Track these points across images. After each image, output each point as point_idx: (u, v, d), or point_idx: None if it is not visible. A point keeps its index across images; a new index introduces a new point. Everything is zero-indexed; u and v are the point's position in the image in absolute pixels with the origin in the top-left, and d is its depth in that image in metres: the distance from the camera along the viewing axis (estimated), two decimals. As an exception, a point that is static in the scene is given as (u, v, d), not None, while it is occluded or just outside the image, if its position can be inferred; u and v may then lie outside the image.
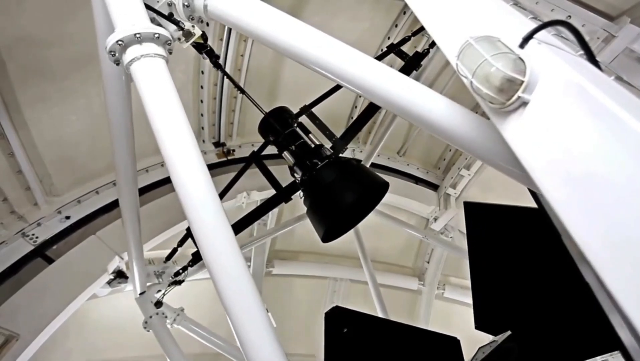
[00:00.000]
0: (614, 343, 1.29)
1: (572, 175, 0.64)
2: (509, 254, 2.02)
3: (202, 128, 4.76)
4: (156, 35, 1.59)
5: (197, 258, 3.50)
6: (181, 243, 3.47)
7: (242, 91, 3.04)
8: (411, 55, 3.74)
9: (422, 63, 3.79)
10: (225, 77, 4.31)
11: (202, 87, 4.39)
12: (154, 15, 1.83)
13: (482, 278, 2.12)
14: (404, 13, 4.54)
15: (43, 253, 3.51)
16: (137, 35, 1.55)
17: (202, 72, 4.28)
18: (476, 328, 2.12)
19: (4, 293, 3.16)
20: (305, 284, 5.88)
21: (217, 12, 1.73)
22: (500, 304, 2.07)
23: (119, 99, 2.07)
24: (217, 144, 4.91)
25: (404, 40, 3.83)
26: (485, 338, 2.26)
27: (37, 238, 3.52)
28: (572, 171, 0.64)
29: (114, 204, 3.91)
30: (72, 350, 4.15)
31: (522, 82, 0.84)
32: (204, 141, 4.84)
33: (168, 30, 1.81)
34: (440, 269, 6.15)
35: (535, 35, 0.91)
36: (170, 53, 1.68)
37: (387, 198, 5.64)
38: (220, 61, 4.25)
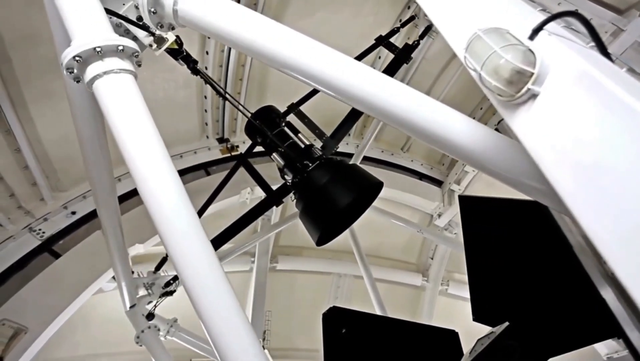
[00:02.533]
0: (613, 329, 1.29)
1: (583, 166, 0.63)
2: (505, 246, 2.03)
3: (206, 124, 4.77)
4: (120, 48, 1.37)
5: None
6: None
7: (224, 96, 2.86)
8: (401, 47, 3.61)
9: (412, 57, 3.72)
10: (226, 73, 4.29)
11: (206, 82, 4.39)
12: (120, 21, 1.61)
13: (479, 271, 2.13)
14: (408, 7, 4.49)
15: (50, 248, 3.55)
16: (97, 50, 1.32)
17: (206, 68, 4.27)
18: (474, 320, 2.13)
19: (12, 287, 3.21)
20: (310, 279, 5.91)
21: (189, 18, 1.51)
22: (498, 295, 2.07)
23: (86, 114, 1.85)
24: (221, 140, 4.91)
25: (393, 32, 3.71)
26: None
27: (43, 233, 3.56)
28: (583, 163, 0.63)
29: (120, 200, 3.93)
30: (79, 343, 4.20)
31: (532, 74, 0.83)
32: (207, 137, 4.85)
33: (137, 36, 1.65)
34: (444, 266, 6.15)
35: (545, 27, 0.90)
36: (139, 65, 1.48)
37: (391, 194, 5.67)
38: (224, 57, 4.25)
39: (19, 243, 3.43)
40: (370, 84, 1.26)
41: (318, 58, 1.32)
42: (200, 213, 3.20)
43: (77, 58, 1.33)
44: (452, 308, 6.07)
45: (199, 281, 1.23)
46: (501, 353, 1.93)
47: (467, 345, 2.61)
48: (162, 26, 1.64)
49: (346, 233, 4.77)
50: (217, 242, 3.19)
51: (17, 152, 3.29)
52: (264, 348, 4.94)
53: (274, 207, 4.77)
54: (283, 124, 2.83)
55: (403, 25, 3.85)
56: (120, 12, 1.63)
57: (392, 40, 3.79)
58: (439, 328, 2.67)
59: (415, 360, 2.44)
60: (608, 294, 1.26)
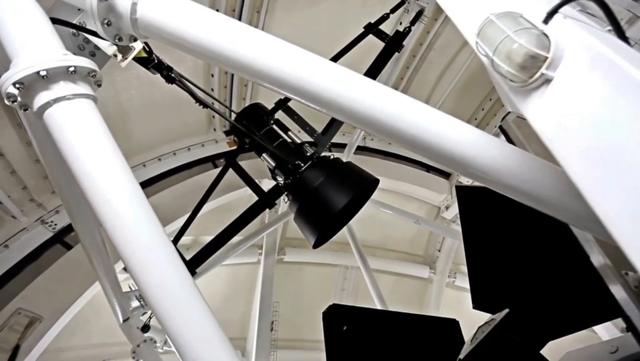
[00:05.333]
0: (614, 311, 1.27)
1: (597, 150, 0.62)
2: (502, 234, 2.02)
3: (213, 117, 4.78)
4: (71, 69, 1.12)
5: None
6: None
7: (204, 105, 2.64)
8: (391, 35, 3.40)
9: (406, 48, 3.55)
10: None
11: (212, 75, 4.39)
12: (74, 30, 1.36)
13: (478, 259, 2.13)
14: (416, -5, 4.41)
15: (62, 240, 3.62)
16: (42, 74, 1.08)
17: (212, 60, 4.27)
18: (474, 307, 2.13)
19: (26, 277, 3.29)
20: (317, 271, 5.95)
21: (153, 28, 1.25)
22: (497, 282, 2.07)
23: (46, 140, 1.59)
24: (229, 132, 4.92)
25: (383, 19, 3.50)
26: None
27: (55, 225, 3.62)
28: (599, 146, 0.62)
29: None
30: (92, 331, 4.30)
31: (546, 58, 0.80)
32: (215, 130, 4.87)
33: (100, 46, 1.42)
34: (452, 258, 6.14)
35: (560, 10, 0.88)
36: (99, 86, 1.25)
37: (397, 186, 5.64)
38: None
39: (32, 234, 3.51)
40: (352, 92, 1.09)
41: (297, 66, 1.13)
42: (194, 213, 3.14)
43: (18, 85, 1.09)
44: (459, 300, 6.07)
45: (168, 305, 1.08)
46: (504, 347, 1.93)
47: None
48: (120, 39, 1.36)
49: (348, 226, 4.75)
50: (214, 245, 3.08)
51: (28, 146, 3.34)
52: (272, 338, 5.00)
53: (280, 199, 4.77)
54: (271, 122, 2.69)
55: (393, 10, 3.61)
56: (75, 21, 1.36)
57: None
58: (439, 318, 2.68)
59: (417, 351, 2.46)
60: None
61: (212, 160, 4.74)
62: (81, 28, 1.36)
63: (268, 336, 5.06)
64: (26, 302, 3.12)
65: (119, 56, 1.51)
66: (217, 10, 4.05)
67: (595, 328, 3.10)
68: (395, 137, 1.08)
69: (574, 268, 1.61)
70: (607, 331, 3.16)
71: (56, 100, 1.12)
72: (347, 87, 1.10)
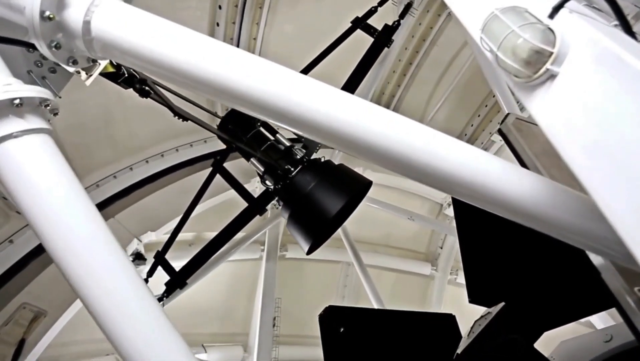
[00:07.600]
0: (609, 301, 1.27)
1: (604, 146, 0.62)
2: (496, 227, 2.02)
3: (215, 113, 4.78)
4: (17, 102, 0.97)
5: (171, 287, 3.02)
6: (150, 274, 3.13)
7: (183, 117, 2.52)
8: (380, 29, 3.28)
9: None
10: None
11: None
12: (24, 47, 1.22)
13: (473, 253, 2.13)
14: (418, -10, 4.38)
15: (66, 235, 3.64)
16: None
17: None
18: (470, 302, 2.14)
19: (31, 272, 3.31)
20: (319, 268, 5.96)
21: (112, 49, 1.07)
22: (492, 276, 2.08)
23: None
24: (231, 129, 4.92)
25: (371, 12, 3.37)
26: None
27: (59, 220, 3.64)
28: (604, 142, 0.62)
29: (131, 189, 4.02)
30: (96, 327, 4.34)
31: (551, 53, 0.80)
32: (217, 126, 4.87)
33: (58, 63, 1.22)
34: (454, 255, 6.14)
35: (566, 5, 0.87)
36: (56, 114, 1.13)
37: (399, 182, 5.63)
38: (235, 32, 4.15)
39: (37, 230, 3.53)
40: (333, 111, 0.99)
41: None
42: (185, 216, 3.06)
43: None
44: (460, 297, 6.07)
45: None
46: (506, 347, 1.93)
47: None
48: (75, 62, 1.18)
49: (354, 222, 4.75)
50: (203, 255, 3.06)
51: (32, 142, 3.35)
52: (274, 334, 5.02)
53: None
54: (258, 124, 2.60)
55: (380, 3, 3.47)
56: (26, 38, 1.16)
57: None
58: (436, 314, 2.69)
59: (416, 347, 2.48)
60: (602, 266, 1.22)
61: (214, 156, 4.74)
62: (31, 45, 1.12)
63: (270, 332, 5.09)
64: (31, 297, 3.15)
65: (83, 73, 1.33)
66: (220, 7, 4.03)
67: (590, 317, 3.12)
68: (387, 161, 0.99)
69: (568, 259, 1.62)
70: (601, 320, 3.17)
71: (0, 140, 0.97)
72: (325, 106, 0.99)
